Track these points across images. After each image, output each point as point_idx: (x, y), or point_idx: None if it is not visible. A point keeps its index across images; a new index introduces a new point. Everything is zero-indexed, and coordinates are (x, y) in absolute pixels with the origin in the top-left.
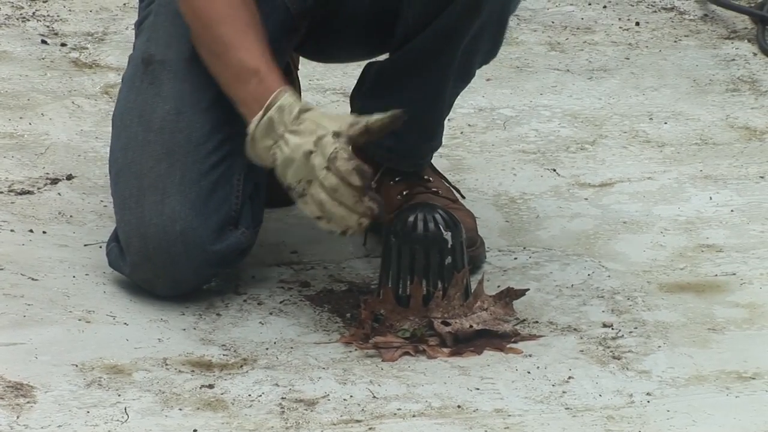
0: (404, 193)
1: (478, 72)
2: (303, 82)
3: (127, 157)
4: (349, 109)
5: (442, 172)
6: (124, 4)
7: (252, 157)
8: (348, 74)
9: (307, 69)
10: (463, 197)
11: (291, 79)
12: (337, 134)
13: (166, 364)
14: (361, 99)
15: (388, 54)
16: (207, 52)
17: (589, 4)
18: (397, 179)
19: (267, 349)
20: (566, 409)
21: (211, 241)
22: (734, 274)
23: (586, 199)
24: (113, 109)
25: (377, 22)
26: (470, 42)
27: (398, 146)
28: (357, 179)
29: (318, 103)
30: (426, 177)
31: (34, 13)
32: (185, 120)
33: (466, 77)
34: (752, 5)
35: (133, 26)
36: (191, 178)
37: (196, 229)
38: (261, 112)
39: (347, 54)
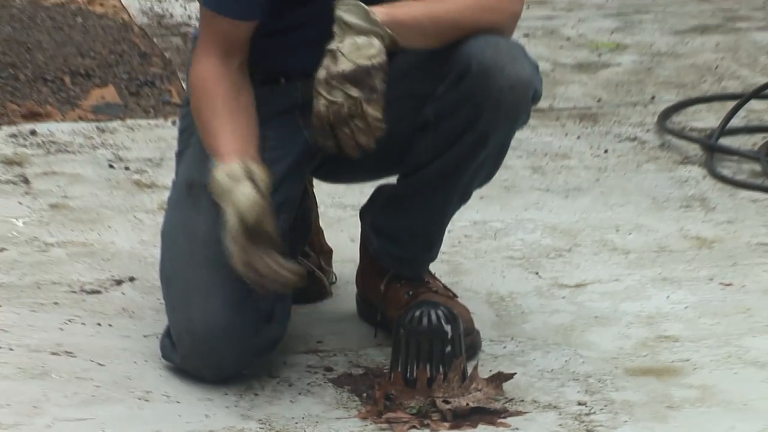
0: (410, 292)
1: (473, 192)
2: (326, 200)
3: (175, 266)
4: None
5: (441, 275)
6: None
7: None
8: (365, 193)
9: (329, 188)
10: (456, 297)
11: (308, 195)
12: (240, 219)
13: None
14: (371, 215)
15: (396, 175)
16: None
17: (566, 135)
18: (402, 282)
19: (296, 423)
20: None
21: (249, 335)
22: (688, 360)
23: (564, 297)
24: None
25: (386, 155)
26: (474, 169)
27: (403, 255)
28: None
29: (338, 218)
30: (426, 280)
31: (102, 142)
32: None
33: (465, 198)
34: (702, 135)
35: None
36: (231, 283)
37: (237, 327)
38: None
39: (357, 179)
